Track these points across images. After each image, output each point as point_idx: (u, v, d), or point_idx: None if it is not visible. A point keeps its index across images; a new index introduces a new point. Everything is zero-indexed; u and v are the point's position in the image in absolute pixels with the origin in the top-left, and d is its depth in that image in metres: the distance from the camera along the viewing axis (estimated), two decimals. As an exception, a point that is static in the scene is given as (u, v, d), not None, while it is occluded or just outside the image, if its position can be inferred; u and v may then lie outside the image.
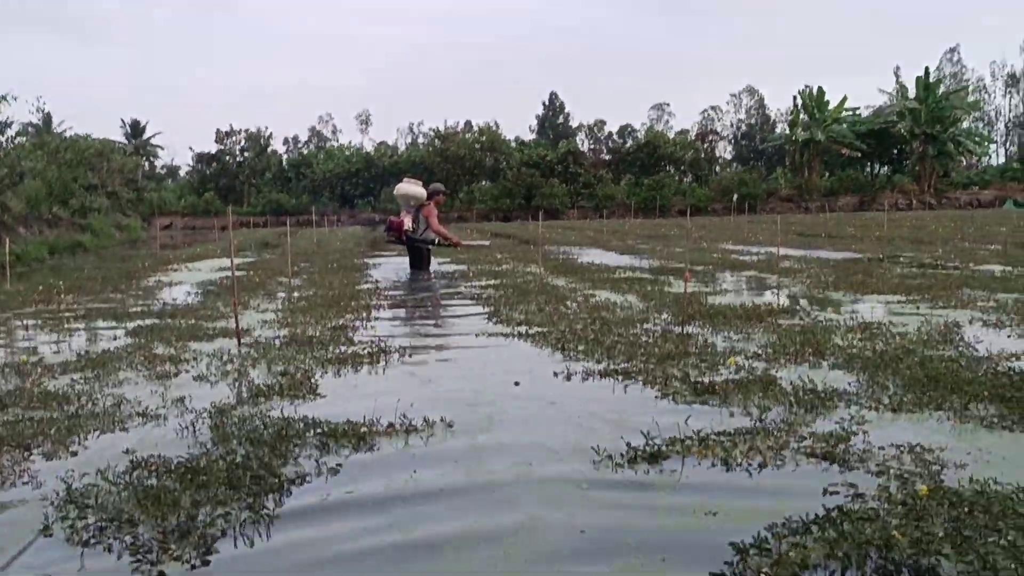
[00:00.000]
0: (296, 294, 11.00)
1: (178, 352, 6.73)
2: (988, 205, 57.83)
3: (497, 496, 3.43)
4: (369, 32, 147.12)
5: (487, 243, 19.83)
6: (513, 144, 74.79)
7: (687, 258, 11.04)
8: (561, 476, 3.63)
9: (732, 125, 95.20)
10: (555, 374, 5.65)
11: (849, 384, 5.06)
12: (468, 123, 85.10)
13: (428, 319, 9.10)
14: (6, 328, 8.87)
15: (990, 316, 7.56)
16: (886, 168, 70.37)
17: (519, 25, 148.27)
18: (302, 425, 4.34)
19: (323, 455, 3.93)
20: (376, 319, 8.62)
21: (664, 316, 8.08)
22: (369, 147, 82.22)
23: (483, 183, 69.51)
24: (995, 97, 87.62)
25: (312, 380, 5.52)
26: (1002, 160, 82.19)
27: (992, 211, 47.61)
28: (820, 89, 65.46)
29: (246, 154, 72.54)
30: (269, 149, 75.30)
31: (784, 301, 9.10)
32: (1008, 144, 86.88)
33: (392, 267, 15.84)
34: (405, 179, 15.76)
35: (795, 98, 67.59)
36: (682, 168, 71.18)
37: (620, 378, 5.43)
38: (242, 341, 7.08)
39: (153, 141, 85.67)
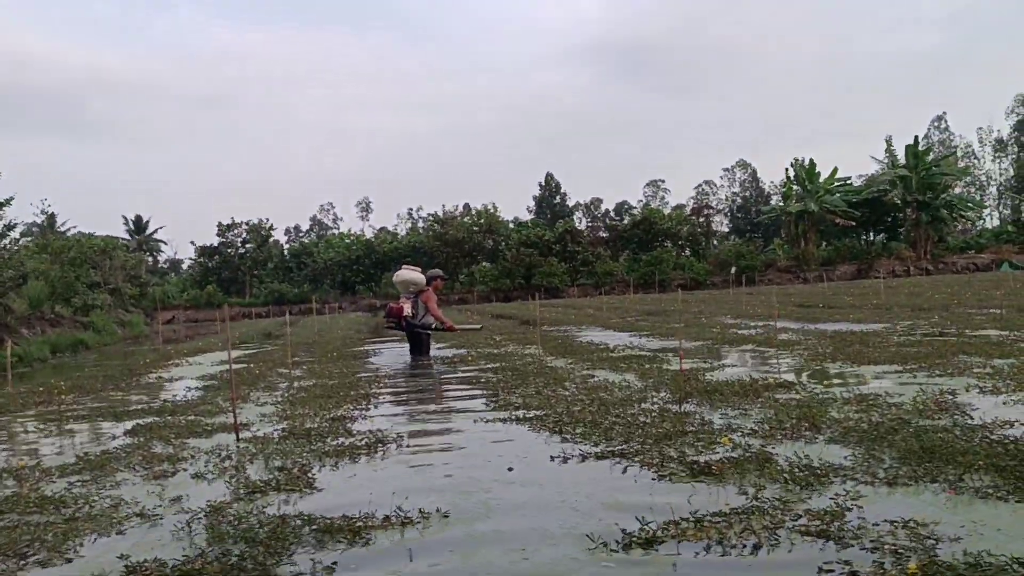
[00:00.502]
0: (296, 385, 11.03)
1: (176, 450, 6.74)
2: (985, 268, 58.10)
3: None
4: (367, 121, 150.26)
5: (479, 327, 19.92)
6: (511, 225, 75.64)
7: (680, 336, 11.07)
8: (555, 563, 3.62)
9: (727, 199, 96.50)
10: (552, 458, 5.66)
11: (845, 458, 5.06)
12: (467, 206, 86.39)
13: (427, 406, 9.10)
14: (7, 432, 8.87)
15: (986, 383, 7.57)
16: (882, 235, 70.95)
17: (514, 109, 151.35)
18: (298, 521, 4.34)
19: (318, 551, 3.93)
20: (375, 408, 8.64)
21: (662, 394, 8.10)
22: (369, 234, 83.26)
23: (483, 264, 70.04)
24: (985, 162, 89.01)
25: (309, 474, 5.52)
26: (996, 223, 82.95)
27: (989, 274, 47.78)
28: (811, 160, 66.49)
29: (248, 246, 73.26)
30: (271, 240, 76.10)
31: (781, 375, 9.12)
32: (1001, 207, 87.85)
33: (393, 353, 15.88)
34: (404, 265, 15.95)
35: (787, 170, 68.58)
36: (679, 243, 71.78)
37: (617, 460, 5.43)
38: (240, 436, 7.09)
39: (156, 236, 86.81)
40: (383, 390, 10.18)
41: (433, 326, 15.02)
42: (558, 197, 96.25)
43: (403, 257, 63.27)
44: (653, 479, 4.93)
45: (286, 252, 77.33)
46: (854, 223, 65.99)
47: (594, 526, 4.07)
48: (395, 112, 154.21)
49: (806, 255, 64.84)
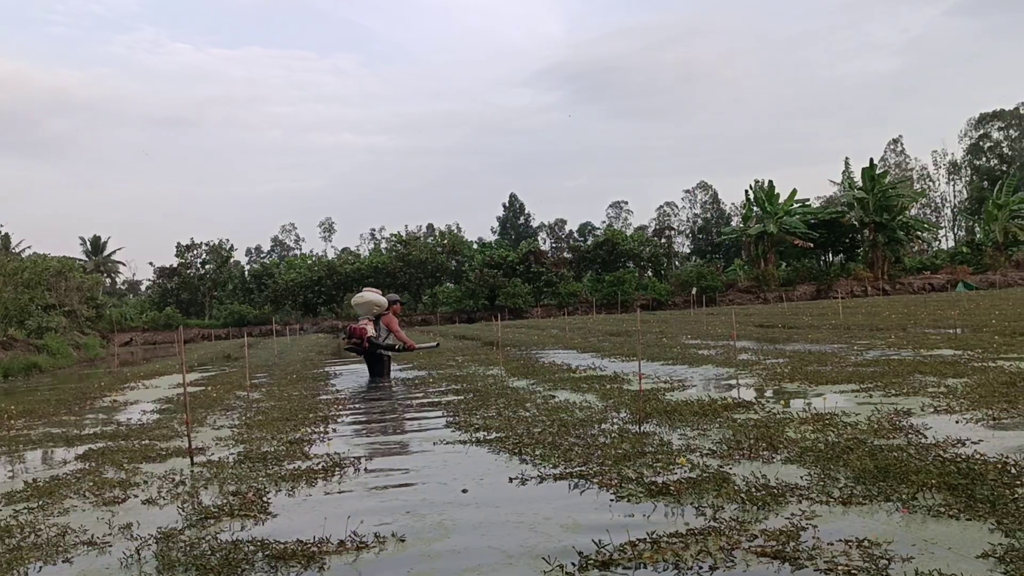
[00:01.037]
0: (254, 408, 10.88)
1: (128, 475, 6.60)
2: (941, 289, 59.25)
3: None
4: (330, 141, 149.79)
5: (436, 344, 19.92)
6: (475, 246, 75.69)
7: (640, 356, 11.12)
8: (512, 589, 3.59)
9: (688, 220, 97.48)
10: (510, 479, 5.63)
11: (801, 478, 5.09)
12: (430, 226, 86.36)
13: (386, 429, 9.03)
14: (-48, 457, 8.63)
15: (940, 402, 7.68)
16: (840, 256, 72.08)
17: (479, 130, 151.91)
18: (251, 547, 4.27)
19: (270, 578, 3.86)
20: (334, 431, 8.55)
21: (622, 415, 8.11)
22: (332, 255, 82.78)
23: (446, 285, 69.92)
24: (939, 184, 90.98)
25: (264, 499, 5.43)
26: (951, 244, 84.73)
27: (945, 295, 48.70)
28: (770, 183, 67.49)
29: (207, 267, 72.46)
30: (231, 260, 75.35)
31: (740, 395, 9.18)
32: (956, 228, 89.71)
33: (355, 376, 15.75)
34: (365, 288, 15.97)
35: (747, 192, 69.53)
36: (642, 263, 72.30)
37: (576, 481, 5.42)
38: (195, 461, 6.97)
39: (114, 257, 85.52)
40: (343, 413, 10.08)
41: (397, 347, 15.08)
42: (522, 218, 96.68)
43: (366, 278, 63.02)
44: (611, 500, 4.92)
45: (247, 273, 76.60)
46: (813, 244, 67.04)
47: (551, 547, 4.04)
48: (359, 133, 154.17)
49: (766, 276, 65.65)
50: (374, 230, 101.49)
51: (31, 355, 28.08)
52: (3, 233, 61.04)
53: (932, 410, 7.34)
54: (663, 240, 78.44)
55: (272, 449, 7.38)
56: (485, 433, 7.58)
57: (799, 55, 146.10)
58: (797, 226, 65.69)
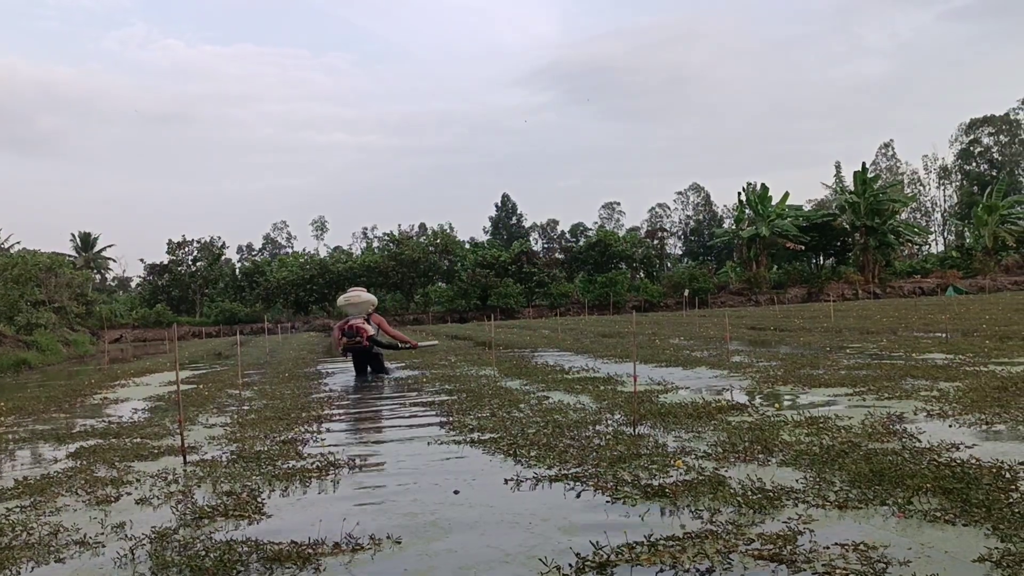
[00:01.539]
0: (246, 407, 10.84)
1: (121, 474, 6.56)
2: (931, 293, 59.39)
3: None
4: (323, 140, 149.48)
5: (436, 342, 20.08)
6: (467, 245, 75.60)
7: (635, 358, 11.11)
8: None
9: (681, 221, 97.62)
10: (505, 481, 5.62)
11: (796, 481, 5.10)
12: (422, 226, 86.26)
13: (380, 428, 9.00)
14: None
15: (933, 406, 7.70)
16: (831, 260, 72.24)
17: (472, 130, 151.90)
18: (245, 548, 4.24)
19: (266, 579, 3.84)
20: (327, 430, 8.52)
21: (616, 416, 8.10)
22: (324, 253, 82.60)
23: (438, 285, 69.80)
24: (930, 189, 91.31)
25: (258, 499, 5.41)
26: (941, 249, 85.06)
27: (935, 299, 48.87)
28: (763, 185, 67.58)
29: (199, 264, 72.16)
30: (222, 258, 75.05)
31: (734, 397, 9.19)
32: (946, 233, 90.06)
33: (348, 374, 15.70)
34: (354, 288, 16.19)
35: (739, 194, 69.62)
36: (634, 265, 72.31)
37: (571, 483, 5.41)
38: (188, 459, 6.93)
39: (104, 254, 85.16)
40: (336, 412, 10.05)
41: (400, 345, 15.74)
42: (514, 218, 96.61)
43: (358, 277, 62.86)
44: (607, 502, 4.91)
45: (238, 271, 76.28)
46: (804, 247, 67.14)
47: (547, 549, 4.04)
48: (351, 132, 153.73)
49: (758, 278, 65.73)
50: (366, 229, 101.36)
51: (20, 351, 27.92)
52: (-8, 229, 60.71)
53: (925, 414, 7.36)
54: (655, 241, 78.51)
55: (265, 448, 7.35)
56: (479, 434, 7.56)
57: (791, 58, 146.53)
58: (789, 229, 65.81)
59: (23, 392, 15.78)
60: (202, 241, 72.91)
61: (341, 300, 15.99)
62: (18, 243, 61.08)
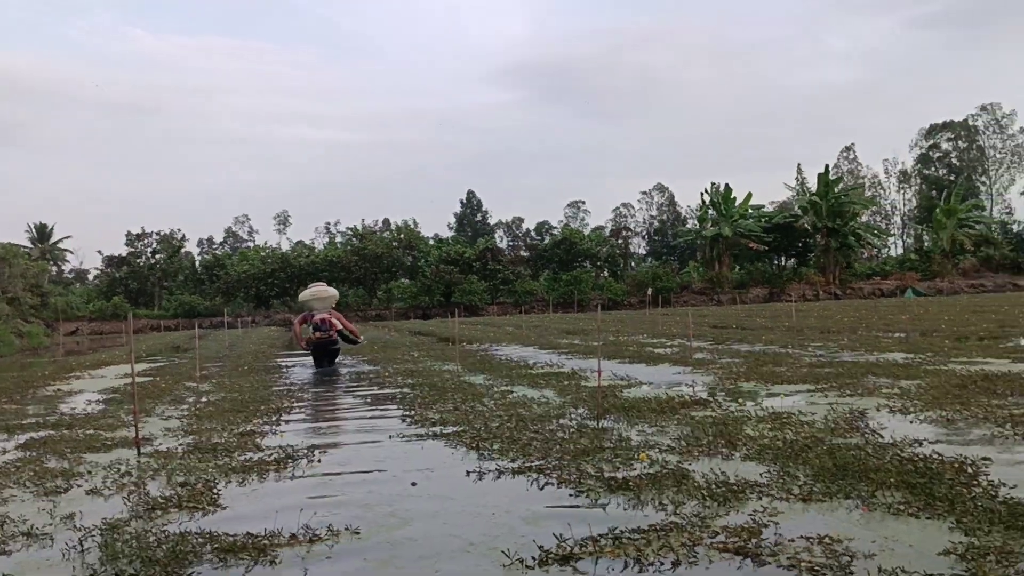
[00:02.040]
0: (204, 399, 10.63)
1: (72, 465, 6.37)
2: (890, 294, 60.35)
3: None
4: (287, 134, 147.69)
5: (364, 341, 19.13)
6: (431, 241, 75.27)
7: (599, 353, 11.08)
8: (471, 583, 3.50)
9: (644, 221, 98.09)
10: (467, 473, 5.53)
11: (760, 475, 5.07)
12: (386, 221, 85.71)
13: (340, 421, 8.86)
14: None
15: (895, 403, 7.75)
16: (793, 260, 73.05)
17: (437, 126, 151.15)
18: (199, 540, 4.12)
19: (219, 572, 3.72)
20: (286, 423, 8.38)
21: (580, 411, 8.06)
22: (286, 247, 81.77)
23: (402, 281, 69.43)
24: (890, 192, 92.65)
25: (214, 490, 5.27)
26: (900, 251, 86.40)
27: (894, 300, 49.64)
28: (727, 186, 68.14)
29: (158, 256, 71.06)
30: (182, 251, 74.02)
31: (697, 393, 9.19)
32: (904, 236, 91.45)
33: (308, 368, 15.51)
34: (317, 283, 16.37)
35: (703, 195, 70.11)
36: (598, 263, 72.51)
37: (535, 476, 5.34)
38: (142, 451, 6.76)
39: (61, 245, 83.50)
40: (295, 405, 9.90)
41: (357, 341, 16.00)
42: (479, 215, 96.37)
43: (320, 271, 62.31)
44: (571, 495, 4.85)
45: (198, 264, 75.29)
46: (767, 247, 67.84)
47: (510, 541, 3.96)
48: (317, 126, 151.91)
49: (720, 278, 66.29)
50: (329, 224, 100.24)
51: (-29, 342, 27.26)
52: (-55, 217, 59.25)
53: (887, 410, 7.40)
54: (620, 241, 78.78)
55: (222, 440, 7.20)
56: (442, 427, 7.47)
57: (757, 62, 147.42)
58: (752, 229, 66.47)
59: (-27, 383, 15.36)
60: (162, 233, 71.82)
61: (307, 294, 15.86)
62: (-29, 232, 59.60)
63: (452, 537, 4.14)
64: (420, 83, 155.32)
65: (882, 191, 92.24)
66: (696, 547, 3.79)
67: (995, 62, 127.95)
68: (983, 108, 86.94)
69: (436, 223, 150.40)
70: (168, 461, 6.30)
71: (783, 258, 73.72)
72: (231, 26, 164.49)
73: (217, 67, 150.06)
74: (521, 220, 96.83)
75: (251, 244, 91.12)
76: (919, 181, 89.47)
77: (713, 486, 4.80)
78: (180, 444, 7.13)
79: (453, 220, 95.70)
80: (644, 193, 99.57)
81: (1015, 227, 78.49)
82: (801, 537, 3.84)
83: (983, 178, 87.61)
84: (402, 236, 71.64)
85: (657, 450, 5.97)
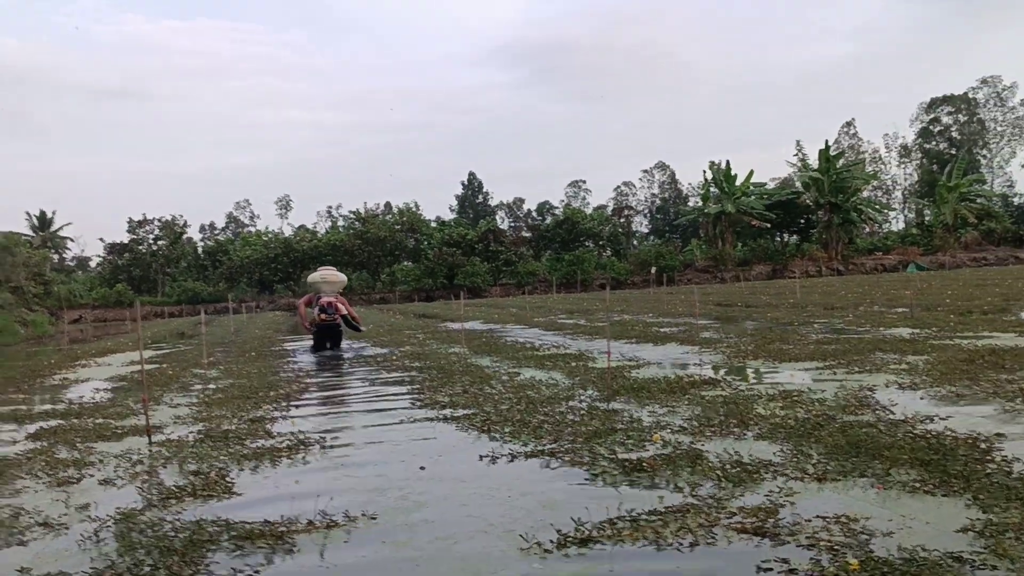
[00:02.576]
0: (212, 386, 10.65)
1: (83, 455, 6.39)
2: (892, 269, 60.27)
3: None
4: (284, 117, 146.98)
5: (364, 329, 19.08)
6: (433, 224, 75.18)
7: (608, 334, 11.07)
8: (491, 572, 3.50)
9: (646, 200, 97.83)
10: (481, 457, 5.54)
11: (774, 454, 5.07)
12: (388, 204, 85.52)
13: (350, 406, 8.87)
14: None
15: (903, 379, 7.74)
16: (795, 237, 72.90)
17: (436, 108, 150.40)
18: (215, 528, 4.12)
19: (237, 560, 3.72)
20: (296, 408, 8.38)
21: (589, 392, 8.05)
22: (288, 232, 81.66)
23: (405, 264, 69.40)
24: (891, 167, 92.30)
25: (227, 478, 5.28)
26: (901, 226, 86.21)
27: (896, 275, 49.56)
28: (728, 163, 67.90)
29: (160, 243, 71.04)
30: (184, 237, 73.98)
31: (706, 372, 9.19)
32: (906, 211, 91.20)
33: (313, 353, 15.52)
34: (327, 267, 16.49)
35: (705, 172, 69.89)
36: (601, 243, 72.42)
37: (548, 459, 5.34)
38: (153, 439, 6.77)
39: (62, 233, 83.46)
40: (304, 390, 9.90)
41: (359, 327, 16.28)
42: (480, 196, 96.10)
43: (323, 256, 62.32)
44: (586, 478, 4.84)
45: (200, 250, 75.26)
46: (769, 225, 67.70)
47: (528, 524, 3.96)
48: (313, 109, 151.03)
49: (723, 256, 66.17)
50: (331, 207, 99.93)
51: (-23, 332, 27.29)
52: (-54, 207, 59.22)
53: (896, 387, 7.39)
54: (622, 220, 78.66)
55: (233, 427, 7.20)
56: (452, 410, 7.48)
57: (755, 38, 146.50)
58: (754, 206, 66.30)
59: (-20, 373, 15.39)
60: (163, 220, 71.77)
61: (316, 276, 15.98)
62: (-28, 222, 59.60)
63: (470, 518, 4.15)
64: (413, 64, 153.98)
65: (883, 166, 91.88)
66: (714, 528, 3.79)
67: (995, 35, 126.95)
68: (983, 81, 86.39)
69: (438, 205, 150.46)
70: (180, 449, 6.31)
71: (785, 235, 73.57)
72: (222, 9, 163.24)
73: (208, 49, 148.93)
74: (522, 201, 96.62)
75: (253, 229, 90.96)
76: (920, 155, 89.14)
77: (728, 466, 4.80)
78: (191, 432, 7.13)
79: (455, 202, 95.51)
80: (645, 171, 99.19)
81: (1016, 200, 78.26)
82: (818, 516, 3.84)
83: (984, 151, 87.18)
84: (404, 219, 71.56)
85: (669, 431, 5.97)
